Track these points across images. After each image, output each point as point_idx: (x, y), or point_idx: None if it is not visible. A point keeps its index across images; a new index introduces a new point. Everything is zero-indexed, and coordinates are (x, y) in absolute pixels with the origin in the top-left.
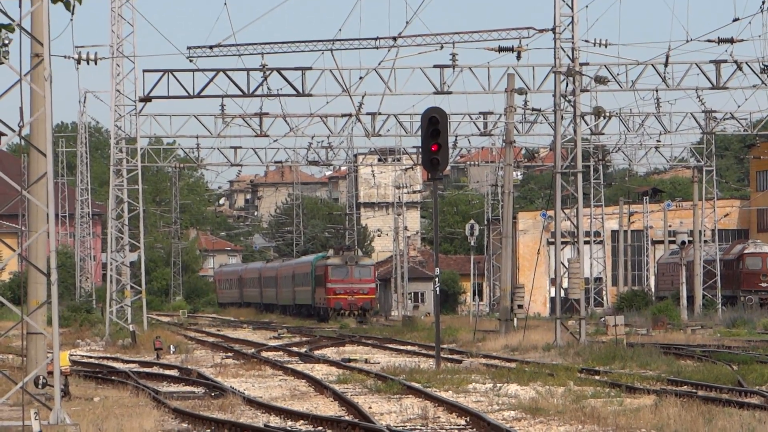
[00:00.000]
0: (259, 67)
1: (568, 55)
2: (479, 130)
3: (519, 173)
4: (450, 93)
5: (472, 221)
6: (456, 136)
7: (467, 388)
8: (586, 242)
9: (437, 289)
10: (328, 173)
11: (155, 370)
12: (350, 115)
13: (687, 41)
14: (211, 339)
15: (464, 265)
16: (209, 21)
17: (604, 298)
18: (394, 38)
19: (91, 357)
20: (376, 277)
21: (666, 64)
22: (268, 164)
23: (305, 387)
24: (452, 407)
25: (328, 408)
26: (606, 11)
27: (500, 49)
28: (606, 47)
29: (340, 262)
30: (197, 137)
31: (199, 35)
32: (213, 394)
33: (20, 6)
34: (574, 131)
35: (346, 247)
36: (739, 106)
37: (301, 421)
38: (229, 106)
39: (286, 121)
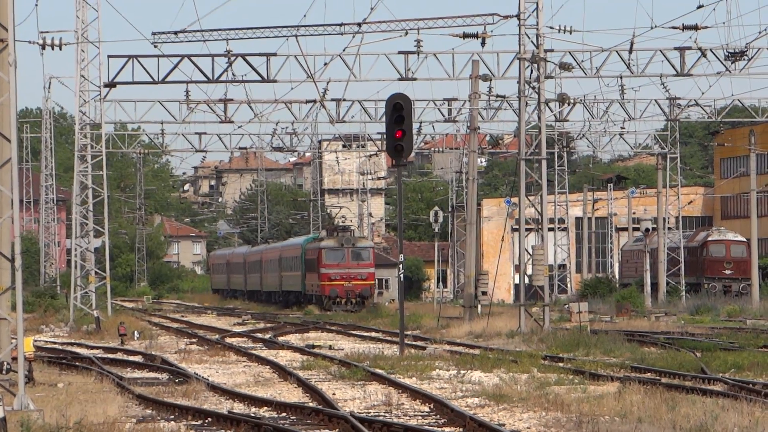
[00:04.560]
0: (224, 53)
1: (532, 42)
2: (444, 116)
3: (483, 160)
4: (414, 79)
5: (436, 208)
6: (420, 123)
7: (431, 375)
8: (550, 229)
9: (401, 275)
10: (293, 159)
11: (119, 356)
12: (315, 102)
13: (651, 28)
14: (175, 325)
15: (428, 252)
16: (174, 7)
17: (568, 284)
18: (359, 24)
19: (55, 343)
20: (374, 261)
21: (630, 51)
22: (232, 150)
23: (269, 373)
24: (416, 394)
25: (292, 394)
26: None
27: (465, 36)
28: (570, 34)
29: (335, 245)
30: (162, 123)
31: (165, 21)
32: (177, 380)
33: None
34: (539, 118)
35: (342, 227)
36: (703, 93)
37: (265, 408)
38: (193, 92)
39: (250, 107)
